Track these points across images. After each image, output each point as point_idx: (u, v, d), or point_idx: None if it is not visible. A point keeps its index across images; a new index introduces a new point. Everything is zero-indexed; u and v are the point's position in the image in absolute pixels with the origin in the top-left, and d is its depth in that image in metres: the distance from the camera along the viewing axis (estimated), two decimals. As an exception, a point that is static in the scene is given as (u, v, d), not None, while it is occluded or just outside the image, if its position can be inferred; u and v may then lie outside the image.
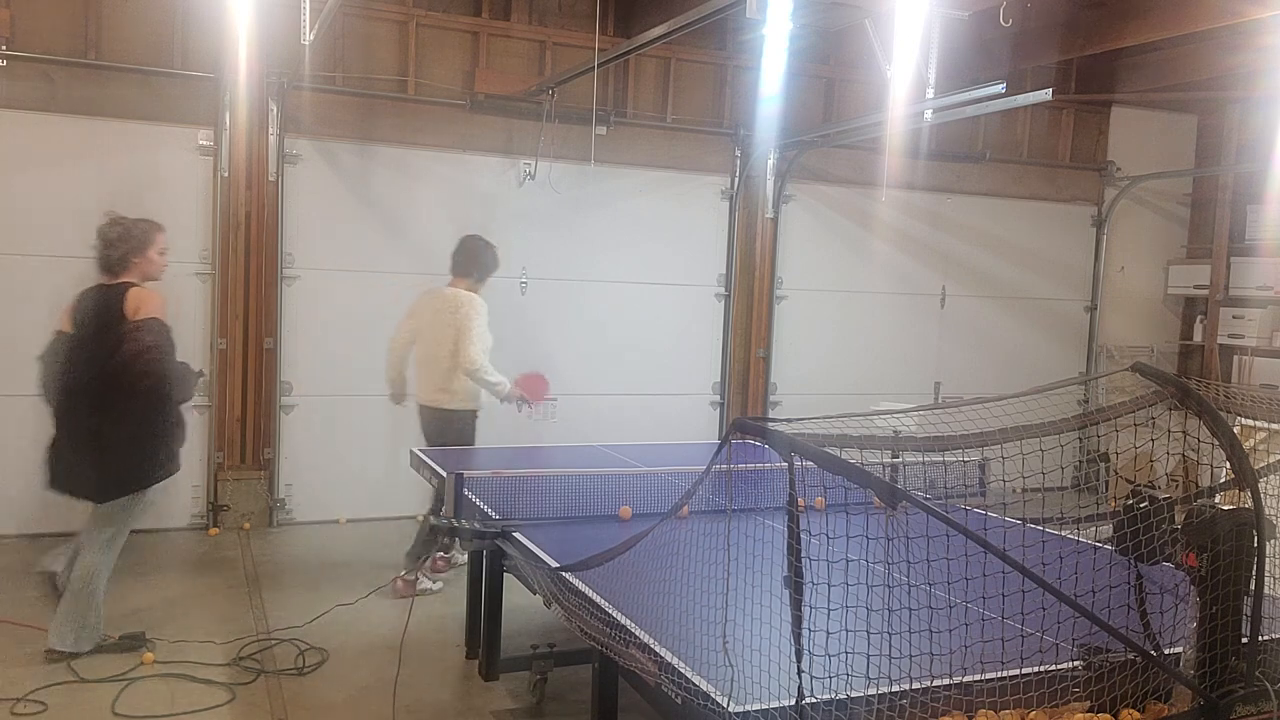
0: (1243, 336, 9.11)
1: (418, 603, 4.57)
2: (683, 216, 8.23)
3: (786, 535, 2.19)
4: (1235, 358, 9.17)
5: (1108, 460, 8.15)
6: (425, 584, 5.73)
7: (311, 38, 6.14)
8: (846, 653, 2.19)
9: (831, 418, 2.37)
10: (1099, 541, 3.26)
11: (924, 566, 2.25)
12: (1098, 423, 2.68)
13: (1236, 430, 3.31)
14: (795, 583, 2.15)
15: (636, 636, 2.70)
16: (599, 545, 3.04)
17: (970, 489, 4.22)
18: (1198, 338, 9.67)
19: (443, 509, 4.35)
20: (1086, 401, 6.64)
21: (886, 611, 2.23)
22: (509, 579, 4.27)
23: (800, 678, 2.14)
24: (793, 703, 2.17)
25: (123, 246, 4.68)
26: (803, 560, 2.16)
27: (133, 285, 4.64)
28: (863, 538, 2.32)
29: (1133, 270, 9.94)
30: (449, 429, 5.90)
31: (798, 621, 2.14)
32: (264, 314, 7.02)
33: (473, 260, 6.01)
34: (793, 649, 2.15)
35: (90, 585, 4.61)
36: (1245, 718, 2.41)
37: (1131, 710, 2.42)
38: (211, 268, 6.93)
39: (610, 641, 2.76)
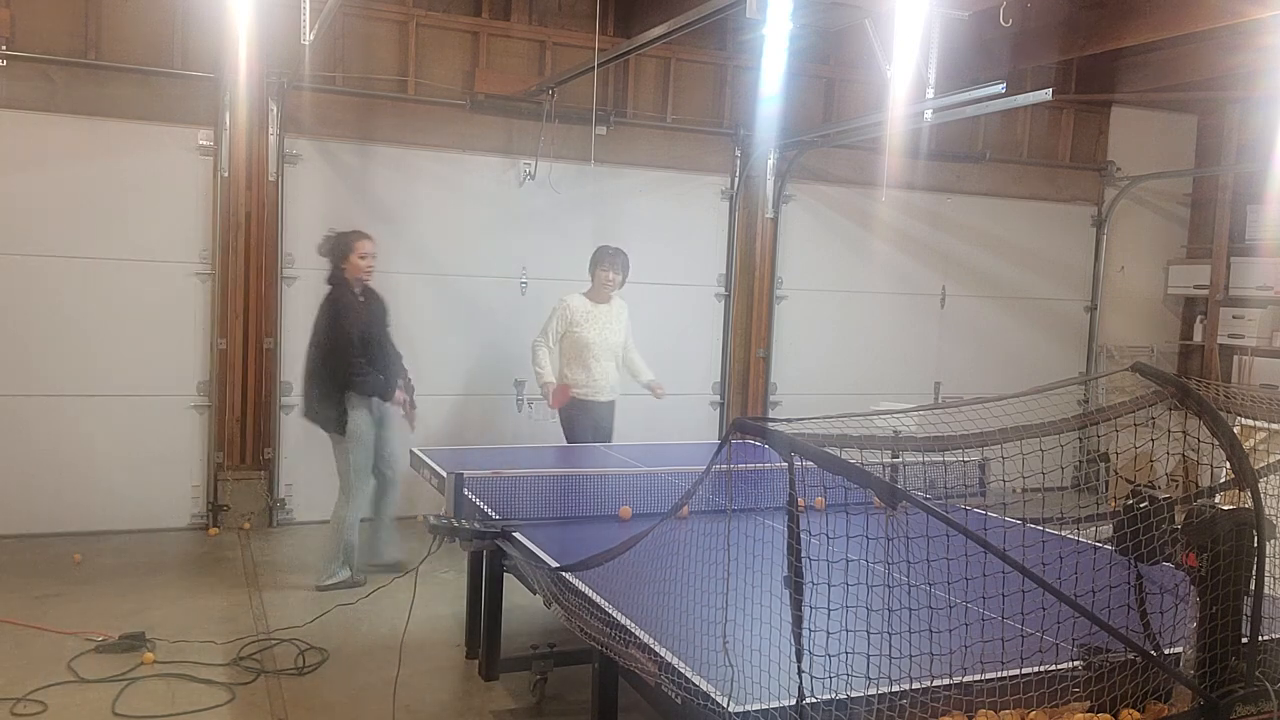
0: (1243, 336, 9.10)
1: (418, 602, 4.57)
2: (683, 216, 8.23)
3: (786, 535, 2.19)
4: (1235, 358, 9.17)
5: (1108, 460, 8.15)
6: None
7: (311, 38, 6.14)
8: (846, 653, 2.19)
9: (831, 418, 2.37)
10: (1099, 541, 3.26)
11: (924, 566, 2.25)
12: (1098, 423, 2.68)
13: (1236, 430, 3.31)
14: (795, 583, 2.15)
15: (636, 636, 2.70)
16: (599, 545, 3.04)
17: (970, 489, 4.22)
18: (1198, 338, 9.67)
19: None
20: (1086, 401, 6.64)
21: (886, 611, 2.23)
22: (509, 579, 4.27)
23: (800, 678, 2.14)
24: (793, 703, 2.17)
25: (332, 257, 5.80)
26: (803, 560, 2.16)
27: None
28: (863, 538, 2.32)
29: (1133, 270, 9.93)
30: (563, 419, 6.53)
31: (798, 621, 2.14)
32: (264, 314, 7.02)
33: (594, 266, 6.67)
34: (793, 649, 2.15)
35: (338, 526, 5.78)
36: (1245, 718, 2.41)
37: (1131, 710, 2.42)
38: (211, 268, 6.93)
39: (610, 641, 2.76)
